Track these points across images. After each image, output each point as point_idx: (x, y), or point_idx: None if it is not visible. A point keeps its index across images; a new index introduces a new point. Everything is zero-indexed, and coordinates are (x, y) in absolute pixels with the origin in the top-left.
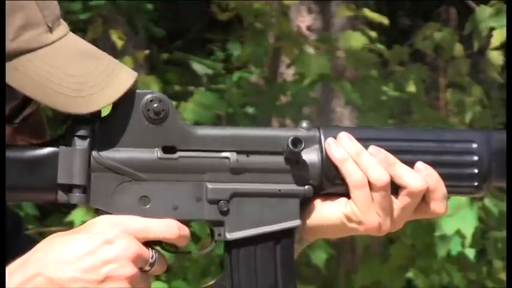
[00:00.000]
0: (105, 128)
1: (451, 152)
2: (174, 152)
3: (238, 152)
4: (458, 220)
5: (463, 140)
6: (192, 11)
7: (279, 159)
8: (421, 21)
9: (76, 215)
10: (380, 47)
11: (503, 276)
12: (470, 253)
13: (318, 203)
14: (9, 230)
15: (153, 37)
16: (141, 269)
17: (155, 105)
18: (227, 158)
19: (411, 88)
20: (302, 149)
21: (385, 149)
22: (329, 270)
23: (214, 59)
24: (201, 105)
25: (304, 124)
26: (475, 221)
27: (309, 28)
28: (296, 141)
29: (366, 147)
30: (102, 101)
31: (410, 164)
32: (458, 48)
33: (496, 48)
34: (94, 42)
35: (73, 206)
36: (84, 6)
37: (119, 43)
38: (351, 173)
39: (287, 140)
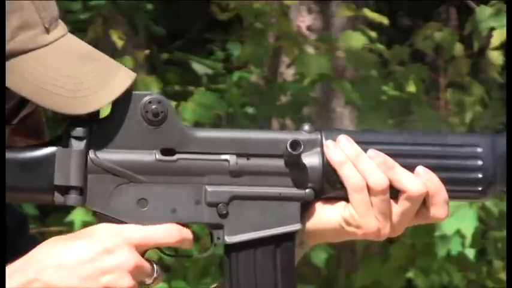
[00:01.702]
0: (103, 129)
1: (455, 156)
2: (173, 154)
3: (238, 155)
4: (458, 220)
5: (468, 144)
6: (192, 11)
7: (280, 163)
8: (421, 21)
9: (76, 215)
10: (380, 47)
11: (503, 276)
12: (470, 253)
13: (317, 206)
14: (15, 229)
15: (153, 37)
16: (141, 283)
17: (154, 106)
18: (226, 160)
19: (411, 88)
20: (301, 152)
21: (386, 153)
22: (329, 270)
23: (214, 59)
24: (201, 105)
25: (306, 127)
26: (475, 221)
27: (309, 28)
28: (295, 144)
29: (366, 150)
30: (97, 103)
31: (412, 168)
32: (459, 48)
33: (496, 48)
34: (94, 42)
35: (73, 207)
36: (84, 6)
37: (119, 43)
38: (349, 176)
39: (287, 143)
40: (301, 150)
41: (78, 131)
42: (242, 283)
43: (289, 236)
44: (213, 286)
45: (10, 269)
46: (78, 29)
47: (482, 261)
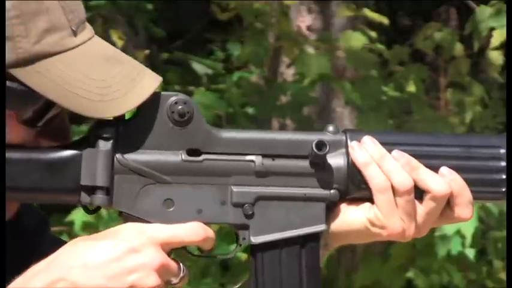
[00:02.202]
0: (129, 130)
1: (478, 157)
2: (199, 155)
3: (264, 156)
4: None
5: (490, 146)
6: (192, 11)
7: (305, 163)
8: (421, 21)
9: (76, 215)
10: (380, 47)
11: (503, 276)
12: (470, 253)
13: (342, 207)
14: (35, 229)
15: (153, 37)
16: (168, 282)
17: (180, 107)
18: (252, 161)
19: (411, 88)
20: (326, 153)
21: (410, 154)
22: (329, 270)
23: (214, 59)
24: (201, 105)
25: (331, 128)
26: (475, 221)
27: (309, 28)
28: (320, 145)
29: (390, 151)
30: (125, 106)
31: (435, 169)
32: (459, 48)
33: (496, 48)
34: None
35: (73, 207)
36: (84, 6)
37: (119, 43)
38: (374, 177)
39: (312, 143)
40: (326, 150)
41: (105, 131)
42: (267, 283)
43: (315, 237)
44: (236, 286)
45: (35, 269)
46: None
47: (482, 261)
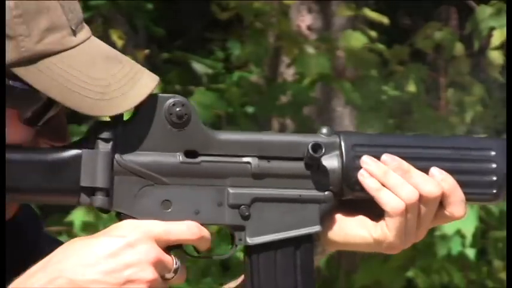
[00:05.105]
0: (128, 131)
1: (469, 159)
2: (196, 157)
3: (260, 157)
4: (458, 220)
5: (481, 148)
6: (192, 11)
7: (300, 165)
8: (421, 21)
9: (76, 215)
10: (380, 46)
11: (503, 276)
12: (471, 253)
13: (338, 217)
14: (32, 228)
15: (153, 37)
16: (162, 277)
17: (178, 109)
18: (248, 163)
19: (411, 88)
20: (322, 155)
21: (401, 156)
22: (329, 270)
23: (214, 59)
24: (201, 104)
25: (325, 130)
26: (475, 220)
27: (309, 28)
28: (316, 147)
29: (381, 153)
30: (125, 105)
31: (426, 171)
32: (459, 48)
33: (496, 48)
34: None
35: (73, 207)
36: (84, 6)
37: (119, 43)
38: (389, 201)
39: (307, 145)
40: (322, 153)
41: (105, 132)
42: (263, 284)
43: (309, 238)
44: (233, 285)
45: (33, 269)
46: None
47: (483, 261)
